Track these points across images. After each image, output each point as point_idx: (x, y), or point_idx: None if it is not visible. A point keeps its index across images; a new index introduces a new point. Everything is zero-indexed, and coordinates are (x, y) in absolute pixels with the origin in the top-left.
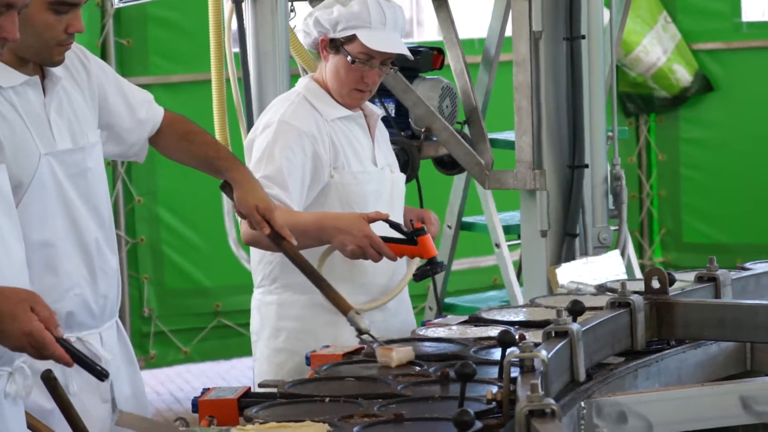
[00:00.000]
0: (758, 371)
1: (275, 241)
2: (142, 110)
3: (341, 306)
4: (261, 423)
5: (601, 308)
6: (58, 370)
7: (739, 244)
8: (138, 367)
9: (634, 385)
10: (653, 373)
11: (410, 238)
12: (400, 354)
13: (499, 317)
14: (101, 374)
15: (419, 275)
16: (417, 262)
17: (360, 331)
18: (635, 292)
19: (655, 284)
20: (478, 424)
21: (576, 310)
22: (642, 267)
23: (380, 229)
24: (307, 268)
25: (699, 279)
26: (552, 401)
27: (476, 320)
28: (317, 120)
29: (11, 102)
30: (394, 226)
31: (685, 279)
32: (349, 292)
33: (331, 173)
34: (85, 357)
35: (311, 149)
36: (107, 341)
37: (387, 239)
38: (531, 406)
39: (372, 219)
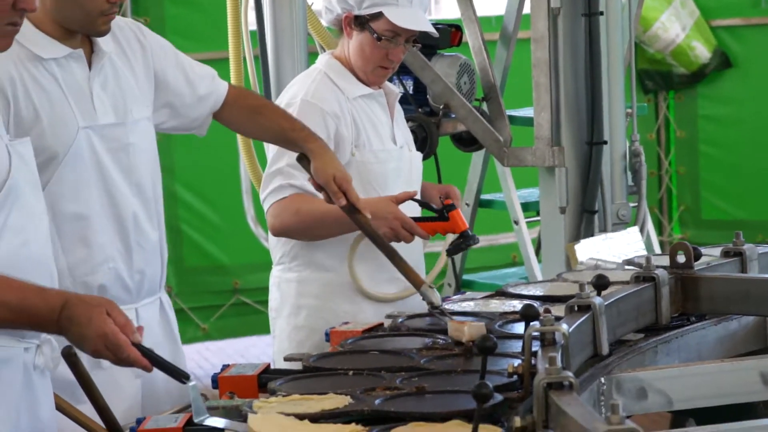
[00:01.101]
0: None
1: (350, 213)
2: (202, 85)
3: (414, 280)
4: (284, 395)
5: (626, 283)
6: None
7: (758, 221)
8: (180, 345)
9: (654, 361)
10: (673, 349)
11: (441, 214)
12: (473, 329)
13: (525, 292)
14: (182, 376)
15: (453, 250)
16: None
17: (432, 305)
18: (660, 267)
19: (681, 259)
20: (499, 397)
21: (600, 284)
22: (661, 244)
23: (408, 210)
24: (380, 242)
25: (725, 254)
26: (570, 374)
27: (502, 294)
28: (339, 98)
29: (53, 74)
30: (422, 204)
31: (711, 254)
32: (373, 271)
33: (352, 151)
34: (164, 361)
35: (334, 129)
36: (145, 317)
37: (417, 219)
38: (549, 379)
39: (400, 200)
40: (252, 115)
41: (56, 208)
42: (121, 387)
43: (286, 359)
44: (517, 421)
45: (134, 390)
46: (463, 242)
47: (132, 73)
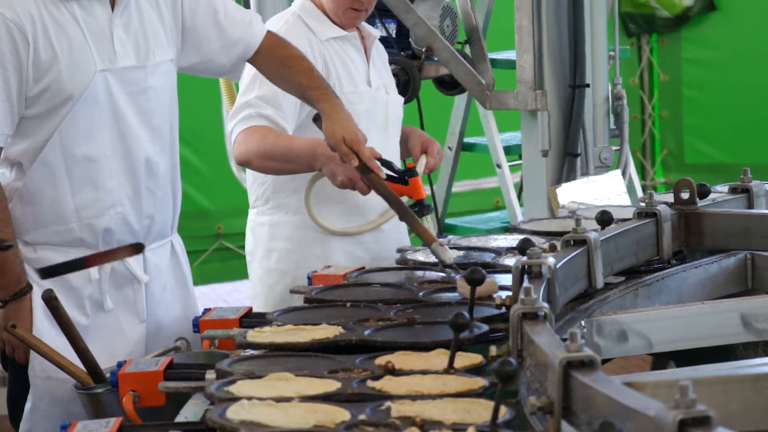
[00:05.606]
0: (759, 289)
1: (363, 172)
2: (235, 31)
3: (425, 237)
4: (279, 326)
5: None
6: (94, 286)
7: (741, 165)
8: (191, 288)
9: (635, 304)
10: (654, 292)
11: (402, 177)
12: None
13: (536, 228)
14: None
15: None
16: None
17: (443, 263)
18: (663, 203)
19: (685, 195)
20: (484, 327)
21: (604, 220)
22: (644, 188)
23: None
24: (393, 200)
25: (732, 190)
26: (544, 305)
27: (513, 230)
28: (311, 40)
29: (74, 15)
30: (386, 164)
31: (720, 191)
32: (341, 213)
33: None
34: None
35: None
36: (153, 262)
37: None
38: (523, 309)
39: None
40: (278, 68)
41: (67, 149)
42: (124, 331)
43: (292, 292)
44: (493, 350)
45: (138, 334)
46: (417, 211)
47: (157, 12)
